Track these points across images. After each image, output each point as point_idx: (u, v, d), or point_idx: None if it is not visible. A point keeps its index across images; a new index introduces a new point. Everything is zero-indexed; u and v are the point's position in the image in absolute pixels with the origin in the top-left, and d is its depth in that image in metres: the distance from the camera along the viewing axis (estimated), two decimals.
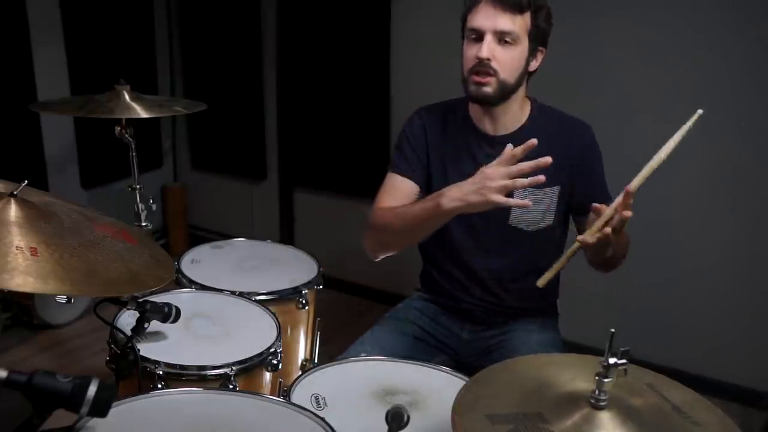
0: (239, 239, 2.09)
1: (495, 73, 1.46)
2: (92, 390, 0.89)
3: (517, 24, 1.43)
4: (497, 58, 1.45)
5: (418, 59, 2.89)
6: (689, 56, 2.36)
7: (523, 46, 1.46)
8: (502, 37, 1.44)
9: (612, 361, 0.87)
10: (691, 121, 1.25)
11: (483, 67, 1.45)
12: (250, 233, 3.50)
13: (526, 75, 1.53)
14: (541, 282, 1.34)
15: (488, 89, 1.47)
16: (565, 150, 1.54)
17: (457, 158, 1.61)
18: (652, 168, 1.33)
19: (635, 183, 1.29)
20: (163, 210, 3.70)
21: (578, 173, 1.57)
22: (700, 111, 1.22)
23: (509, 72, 1.47)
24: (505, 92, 1.50)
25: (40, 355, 2.72)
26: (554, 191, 1.57)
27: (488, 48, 1.44)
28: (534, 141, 1.32)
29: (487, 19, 1.44)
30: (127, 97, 1.91)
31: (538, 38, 1.49)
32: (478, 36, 1.46)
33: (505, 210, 1.56)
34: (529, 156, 1.54)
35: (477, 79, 1.47)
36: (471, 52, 1.47)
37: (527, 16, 1.44)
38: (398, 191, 1.60)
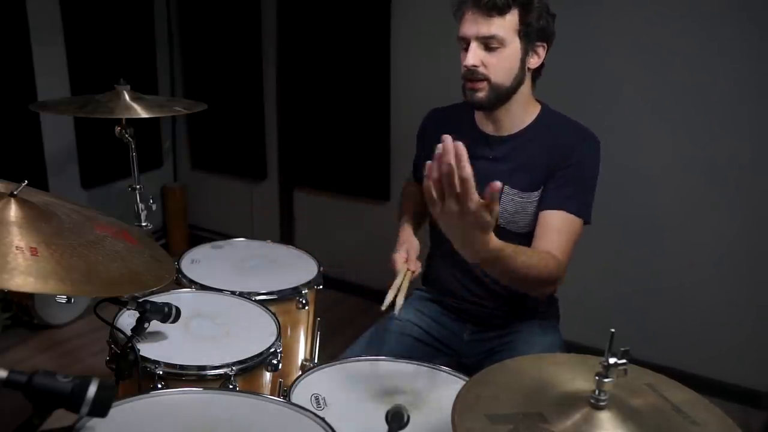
0: (239, 239, 2.09)
1: (486, 78, 1.46)
2: (92, 390, 0.89)
3: (499, 26, 1.42)
4: (486, 64, 1.45)
5: (418, 59, 2.89)
6: (692, 55, 2.36)
7: (513, 46, 1.45)
8: (486, 43, 1.44)
9: (612, 361, 0.87)
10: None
11: (472, 74, 1.46)
12: (250, 233, 3.51)
13: (526, 74, 1.51)
14: (384, 306, 1.38)
15: (480, 95, 1.48)
16: (563, 159, 1.52)
17: None
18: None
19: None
20: (163, 210, 3.70)
21: (555, 176, 1.52)
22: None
23: (502, 75, 1.46)
24: (500, 95, 1.49)
25: (40, 355, 2.72)
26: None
27: (474, 55, 1.44)
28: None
29: (469, 27, 1.44)
30: (127, 97, 1.91)
31: (531, 35, 1.46)
32: (466, 44, 1.46)
33: None
34: (530, 154, 1.54)
35: (470, 85, 1.49)
36: (462, 60, 1.48)
37: (513, 15, 1.42)
38: (412, 186, 1.85)
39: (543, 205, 1.53)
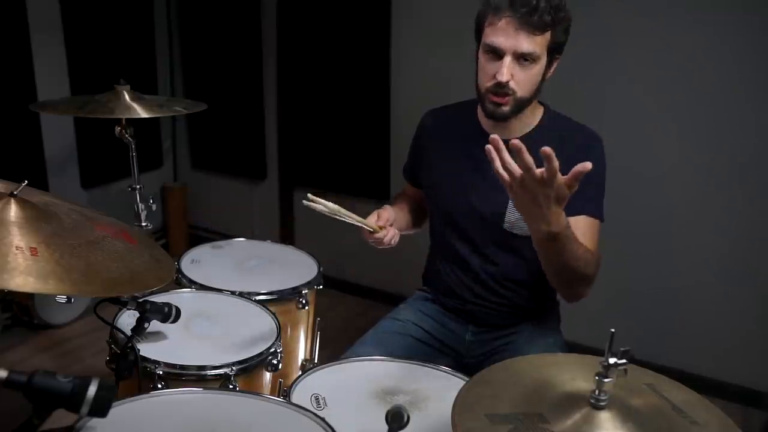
0: (239, 239, 2.09)
1: (513, 93, 1.43)
2: (92, 390, 0.89)
3: (538, 44, 1.39)
4: (516, 78, 1.41)
5: (418, 59, 2.89)
6: (698, 55, 2.35)
7: (542, 62, 1.42)
8: (522, 57, 1.39)
9: (612, 361, 0.87)
10: None
11: (502, 89, 1.42)
12: (250, 233, 3.50)
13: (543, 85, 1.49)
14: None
15: (505, 109, 1.45)
16: (569, 159, 1.51)
17: (460, 160, 1.61)
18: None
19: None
20: (163, 210, 3.70)
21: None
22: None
23: (527, 90, 1.44)
24: (521, 107, 1.47)
25: (40, 355, 2.72)
26: None
27: (508, 71, 1.39)
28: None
29: (507, 39, 1.38)
30: (127, 97, 1.91)
31: (556, 50, 1.45)
32: (497, 55, 1.41)
33: (499, 215, 1.56)
34: (539, 157, 1.52)
35: (495, 99, 1.44)
36: (489, 70, 1.43)
37: (548, 33, 1.40)
38: (406, 189, 1.85)
39: (564, 209, 1.52)
